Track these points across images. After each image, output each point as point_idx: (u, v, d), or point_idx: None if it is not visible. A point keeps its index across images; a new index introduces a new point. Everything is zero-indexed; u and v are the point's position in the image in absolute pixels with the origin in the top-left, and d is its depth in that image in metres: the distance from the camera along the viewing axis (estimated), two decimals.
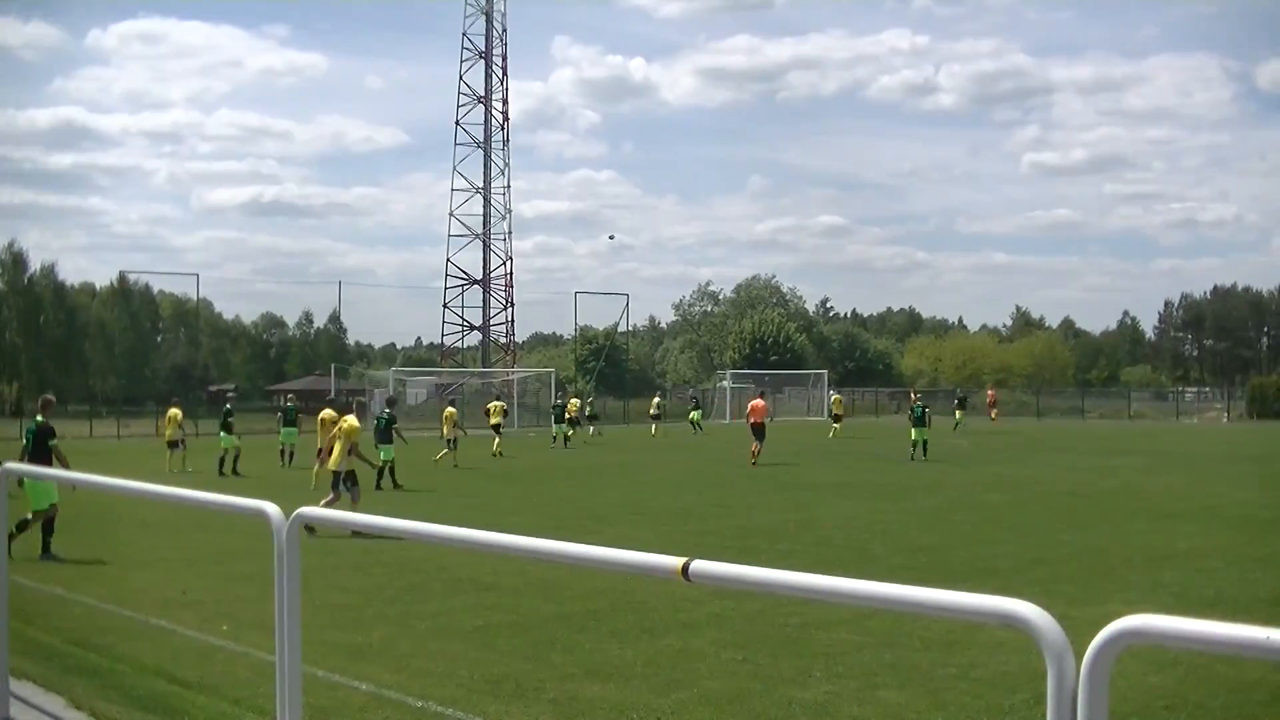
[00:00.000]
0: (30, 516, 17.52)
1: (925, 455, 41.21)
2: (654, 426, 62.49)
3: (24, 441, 18.76)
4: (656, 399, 67.40)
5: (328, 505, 20.48)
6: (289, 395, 53.58)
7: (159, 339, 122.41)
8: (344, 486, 21.93)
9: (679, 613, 13.16)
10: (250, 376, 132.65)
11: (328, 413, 29.46)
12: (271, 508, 6.30)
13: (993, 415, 74.17)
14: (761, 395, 46.18)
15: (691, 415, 66.69)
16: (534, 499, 27.82)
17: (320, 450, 29.04)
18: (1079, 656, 3.35)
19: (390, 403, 34.75)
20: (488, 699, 9.63)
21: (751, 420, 41.38)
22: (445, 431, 37.74)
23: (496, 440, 44.36)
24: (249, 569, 15.55)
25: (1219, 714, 9.28)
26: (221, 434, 38.66)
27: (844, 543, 19.69)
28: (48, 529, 17.62)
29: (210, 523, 19.73)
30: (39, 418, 19.02)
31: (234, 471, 36.81)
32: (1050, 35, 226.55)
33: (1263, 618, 10.85)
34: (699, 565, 4.35)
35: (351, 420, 22.77)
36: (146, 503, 20.81)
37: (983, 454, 44.34)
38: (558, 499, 27.94)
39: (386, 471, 30.73)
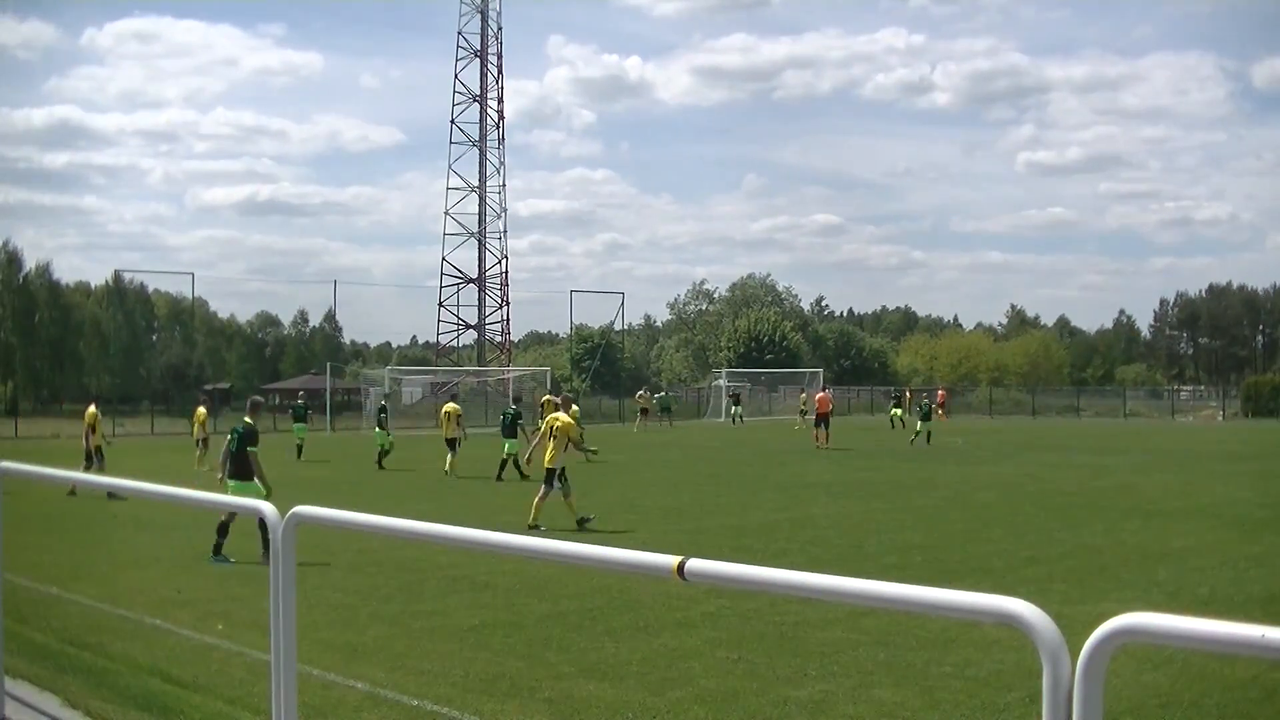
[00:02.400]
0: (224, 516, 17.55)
1: (929, 443, 47.61)
2: (637, 421, 62.48)
3: (229, 440, 18.91)
4: (642, 393, 67.91)
5: (540, 500, 21.75)
6: (300, 394, 55.54)
7: (154, 338, 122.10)
8: (557, 482, 22.07)
9: (674, 611, 13.16)
10: (245, 375, 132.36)
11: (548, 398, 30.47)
12: (267, 507, 6.30)
13: (940, 414, 73.87)
14: (825, 389, 50.07)
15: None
16: (527, 498, 27.76)
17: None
18: (1074, 655, 3.35)
19: (516, 399, 38.48)
20: (483, 698, 9.63)
21: (819, 411, 47.42)
22: (446, 431, 36.65)
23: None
24: (244, 568, 15.56)
25: (1213, 712, 9.28)
26: (377, 430, 40.23)
27: (838, 541, 19.69)
28: (223, 531, 17.46)
29: (206, 522, 19.71)
30: (246, 419, 19.16)
31: (379, 465, 38.16)
32: (1046, 34, 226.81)
33: (1257, 616, 10.88)
34: (694, 564, 4.36)
35: (565, 417, 22.89)
36: (141, 502, 20.82)
37: (977, 453, 44.36)
38: (550, 498, 27.85)
39: (510, 464, 32.76)
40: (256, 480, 17.99)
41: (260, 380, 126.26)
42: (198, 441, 38.23)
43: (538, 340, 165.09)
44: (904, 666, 10.64)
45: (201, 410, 40.06)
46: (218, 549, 17.22)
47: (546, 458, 22.14)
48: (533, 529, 20.77)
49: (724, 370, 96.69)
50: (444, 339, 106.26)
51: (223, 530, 17.36)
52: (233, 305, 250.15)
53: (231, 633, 11.96)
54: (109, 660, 10.91)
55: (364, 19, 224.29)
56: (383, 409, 39.94)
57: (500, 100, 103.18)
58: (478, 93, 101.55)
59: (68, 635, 12.02)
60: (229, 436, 18.86)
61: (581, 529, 21.44)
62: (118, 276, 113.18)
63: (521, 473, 31.40)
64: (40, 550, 17.88)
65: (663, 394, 78.58)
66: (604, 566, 4.96)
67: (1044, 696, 3.39)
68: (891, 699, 9.60)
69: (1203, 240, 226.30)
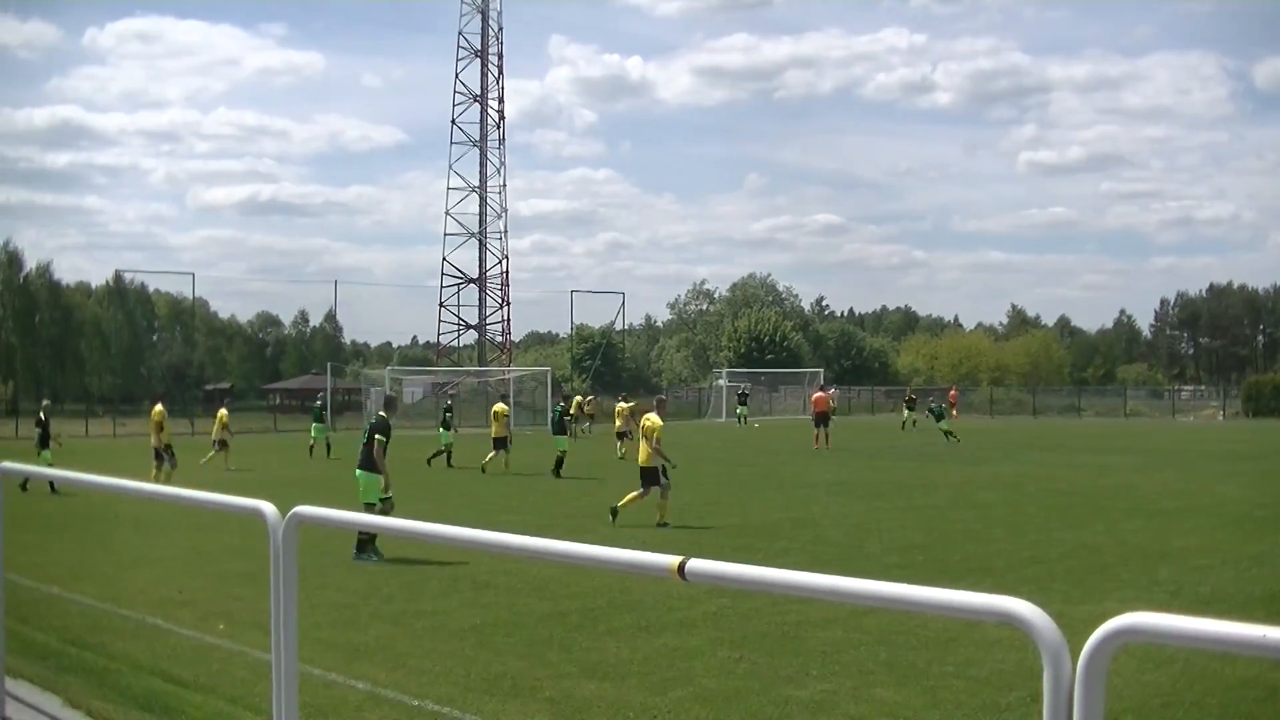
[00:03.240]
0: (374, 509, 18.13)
1: (948, 440, 49.37)
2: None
3: (365, 435, 19.47)
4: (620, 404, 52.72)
5: (634, 499, 22.12)
6: (319, 395, 55.65)
7: (154, 338, 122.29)
8: (662, 479, 22.32)
9: (675, 611, 13.17)
10: (246, 375, 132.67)
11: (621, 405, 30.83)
12: (268, 507, 6.29)
13: (954, 413, 73.90)
14: (823, 388, 50.10)
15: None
16: (527, 498, 27.81)
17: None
18: (1075, 654, 3.35)
19: (565, 398, 41.29)
20: (484, 698, 9.63)
21: (816, 411, 47.10)
22: (495, 430, 36.88)
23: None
24: (245, 568, 15.56)
25: (1215, 711, 9.29)
26: (441, 430, 40.69)
27: (839, 541, 19.68)
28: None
29: (206, 522, 19.72)
30: (381, 413, 19.69)
31: (448, 464, 38.89)
32: (1047, 34, 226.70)
33: (1258, 615, 10.87)
34: (695, 564, 4.35)
35: (654, 418, 23.11)
36: (142, 502, 20.82)
37: (978, 452, 44.36)
38: (551, 498, 27.93)
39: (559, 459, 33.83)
40: (379, 469, 18.64)
41: (261, 380, 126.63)
42: (215, 443, 38.50)
43: (538, 340, 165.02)
44: (905, 666, 10.65)
45: (223, 412, 40.68)
46: (362, 545, 17.55)
47: (641, 458, 22.47)
48: (662, 526, 21.62)
49: (724, 370, 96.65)
50: (445, 339, 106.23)
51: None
52: (234, 305, 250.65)
53: (233, 632, 11.97)
54: (110, 660, 10.92)
55: (365, 19, 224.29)
56: (449, 409, 40.59)
57: (501, 100, 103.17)
58: (478, 93, 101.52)
59: (69, 635, 12.03)
60: (364, 433, 19.43)
61: (660, 528, 21.59)
62: (119, 276, 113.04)
63: (558, 471, 33.09)
64: (41, 550, 17.89)
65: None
66: (605, 566, 4.96)
67: (1045, 696, 3.39)
68: (893, 698, 9.61)
69: (1204, 240, 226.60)
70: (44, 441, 29.93)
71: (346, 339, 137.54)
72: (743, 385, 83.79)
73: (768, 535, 20.04)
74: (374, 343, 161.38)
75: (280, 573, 6.19)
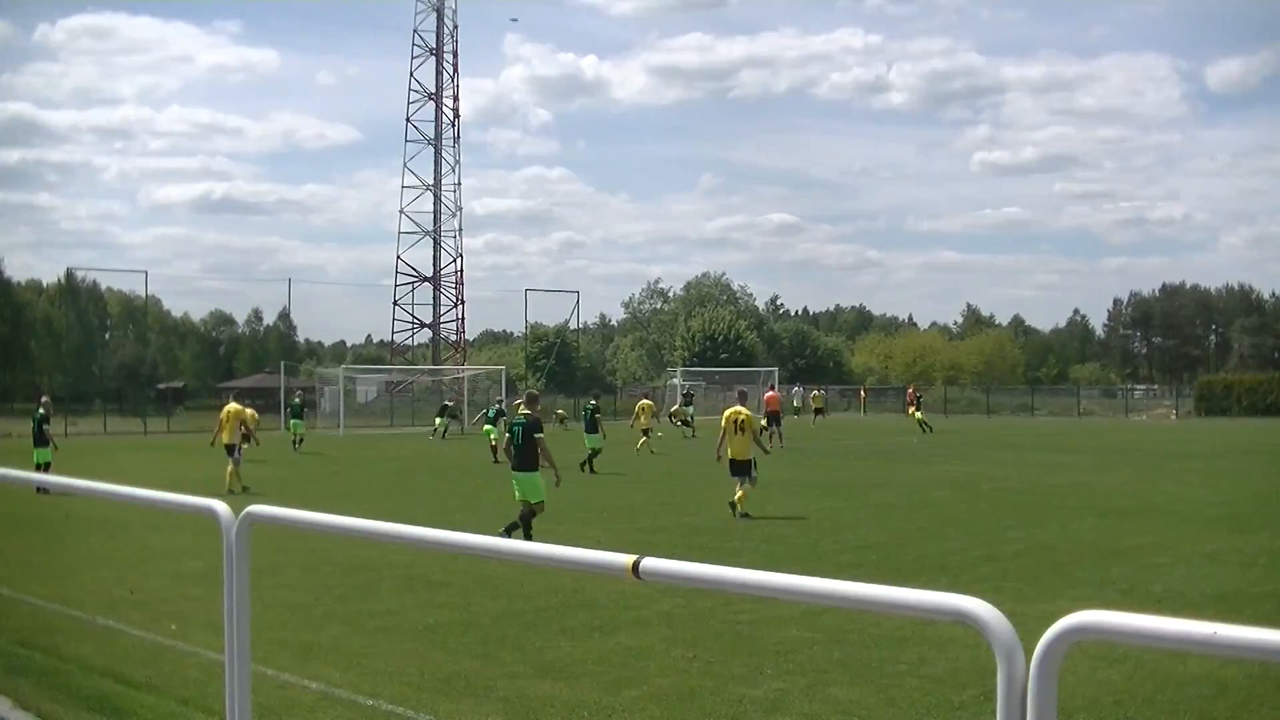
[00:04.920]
0: (531, 508, 18.95)
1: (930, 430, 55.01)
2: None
3: (510, 435, 19.80)
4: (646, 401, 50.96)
5: (746, 492, 22.64)
6: (299, 392, 58.35)
7: (107, 336, 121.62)
8: (748, 473, 22.82)
9: (629, 610, 13.17)
10: (199, 374, 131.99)
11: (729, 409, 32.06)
12: (220, 506, 6.26)
13: (912, 410, 73.98)
14: (773, 387, 50.28)
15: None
16: (479, 497, 27.76)
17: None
18: (1029, 653, 3.36)
19: (596, 396, 42.57)
20: (439, 697, 9.61)
21: (768, 410, 47.18)
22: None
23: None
24: (196, 567, 15.49)
25: (1167, 708, 9.34)
26: (486, 428, 43.98)
27: (793, 540, 19.72)
28: (525, 523, 18.76)
29: (158, 521, 19.60)
30: (525, 411, 19.84)
31: (495, 460, 39.78)
32: (1002, 35, 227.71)
33: (1210, 613, 10.95)
34: (649, 563, 4.35)
35: (747, 410, 23.60)
36: (92, 501, 20.68)
37: (931, 451, 44.53)
38: (503, 496, 27.85)
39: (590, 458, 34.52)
40: (545, 465, 19.29)
41: (214, 379, 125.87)
42: (234, 447, 35.27)
43: (493, 339, 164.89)
44: (859, 665, 10.67)
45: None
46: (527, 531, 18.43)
47: (736, 450, 22.89)
48: (745, 518, 22.10)
49: (679, 369, 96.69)
50: (399, 338, 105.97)
51: (524, 521, 18.80)
52: (187, 304, 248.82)
53: (185, 633, 11.90)
54: (61, 661, 10.85)
55: (320, 16, 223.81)
56: (499, 410, 41.55)
57: (456, 98, 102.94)
58: (433, 91, 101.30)
59: (18, 636, 11.94)
60: (509, 432, 19.75)
61: (736, 518, 22.12)
62: (70, 274, 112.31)
63: (592, 468, 33.80)
64: None
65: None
66: (559, 565, 4.96)
67: (998, 694, 3.40)
68: (847, 697, 9.63)
69: (1157, 240, 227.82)
70: (40, 440, 29.56)
71: (300, 337, 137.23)
72: (687, 385, 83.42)
73: (721, 534, 20.06)
74: (328, 341, 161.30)
75: (233, 572, 6.16)
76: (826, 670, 10.47)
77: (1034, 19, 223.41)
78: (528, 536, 18.35)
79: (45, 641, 11.72)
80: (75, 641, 11.76)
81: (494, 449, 41.16)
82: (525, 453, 19.22)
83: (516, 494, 19.22)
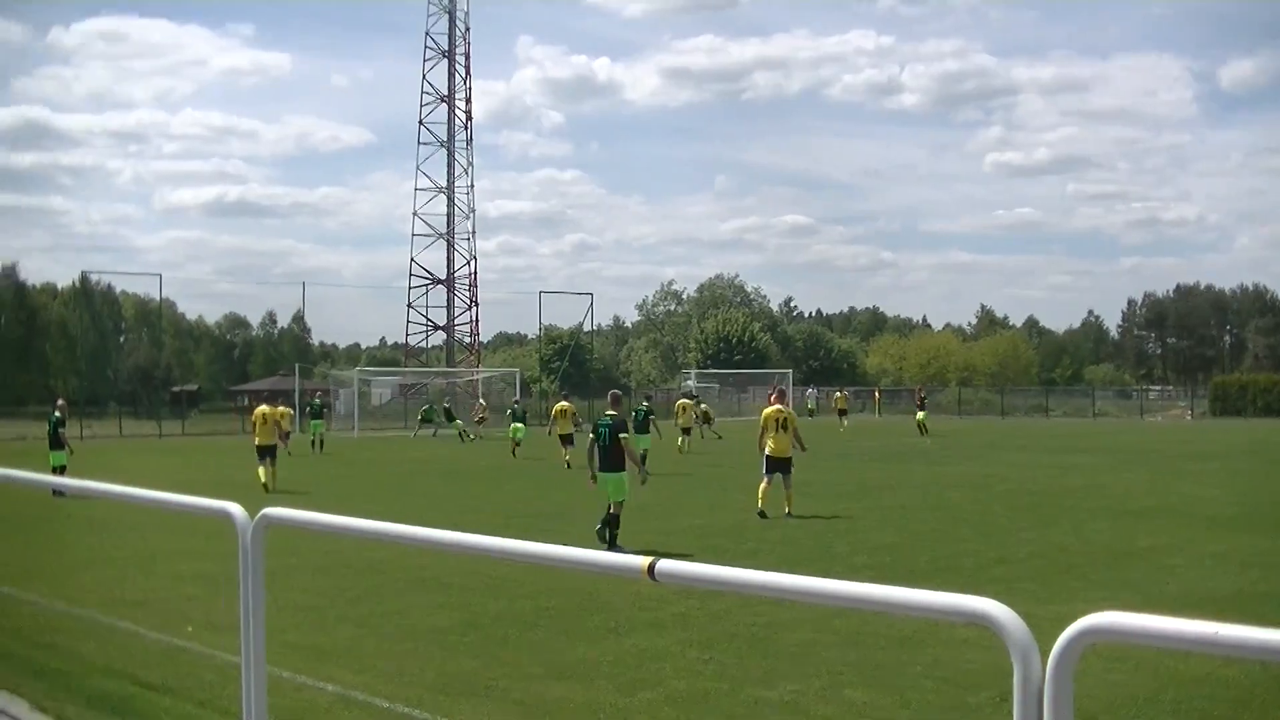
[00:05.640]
0: (612, 509, 19.01)
1: (926, 431, 55.25)
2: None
3: (596, 435, 19.74)
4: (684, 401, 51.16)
5: (789, 491, 23.03)
6: (317, 393, 59.58)
7: (121, 339, 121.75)
8: (789, 472, 23.21)
9: (644, 612, 13.16)
10: (213, 377, 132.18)
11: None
12: (236, 509, 6.28)
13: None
14: (779, 389, 50.76)
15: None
16: (493, 498, 27.79)
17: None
18: (1044, 654, 3.36)
19: (647, 397, 43.50)
20: (453, 700, 9.61)
21: None
22: (681, 420, 43.18)
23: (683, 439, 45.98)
24: (211, 570, 15.50)
25: (1184, 709, 9.32)
26: (514, 424, 45.90)
27: (807, 541, 19.70)
28: (614, 523, 18.87)
29: (171, 523, 19.62)
30: (610, 411, 19.93)
31: (514, 455, 43.27)
32: (1014, 36, 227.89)
33: (1226, 614, 10.91)
34: (665, 565, 4.36)
35: (785, 409, 23.95)
36: (102, 503, 20.71)
37: (946, 453, 44.47)
38: (516, 498, 27.90)
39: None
40: (630, 465, 19.42)
41: (228, 382, 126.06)
42: (272, 448, 32.87)
43: (507, 341, 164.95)
44: (875, 666, 10.66)
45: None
46: (613, 540, 18.61)
47: (779, 447, 23.09)
48: (789, 517, 22.43)
49: (693, 371, 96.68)
50: (413, 340, 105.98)
51: (614, 521, 18.85)
52: (201, 306, 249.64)
53: (201, 635, 11.91)
54: (77, 663, 10.86)
55: (333, 19, 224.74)
56: (649, 411, 41.90)
57: (468, 101, 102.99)
58: (446, 93, 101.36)
59: (35, 638, 11.97)
60: (593, 433, 19.76)
61: (760, 518, 22.24)
62: (84, 278, 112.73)
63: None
64: (6, 553, 17.84)
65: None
66: (575, 567, 4.96)
67: (1014, 695, 3.40)
68: (862, 699, 9.61)
69: (1170, 241, 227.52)
70: (55, 443, 29.65)
71: (314, 340, 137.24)
72: (691, 387, 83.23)
73: (735, 536, 20.04)
74: (342, 344, 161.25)
75: (249, 574, 6.17)
76: (842, 672, 10.46)
77: (1046, 20, 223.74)
78: (612, 535, 18.82)
79: (61, 643, 11.75)
80: (91, 643, 11.78)
81: (518, 445, 43.97)
82: (613, 453, 19.31)
83: (609, 494, 19.22)
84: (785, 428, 23.19)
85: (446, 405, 61.83)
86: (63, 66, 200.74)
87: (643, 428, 36.49)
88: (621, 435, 19.36)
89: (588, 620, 12.89)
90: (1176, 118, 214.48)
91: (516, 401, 55.49)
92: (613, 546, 18.18)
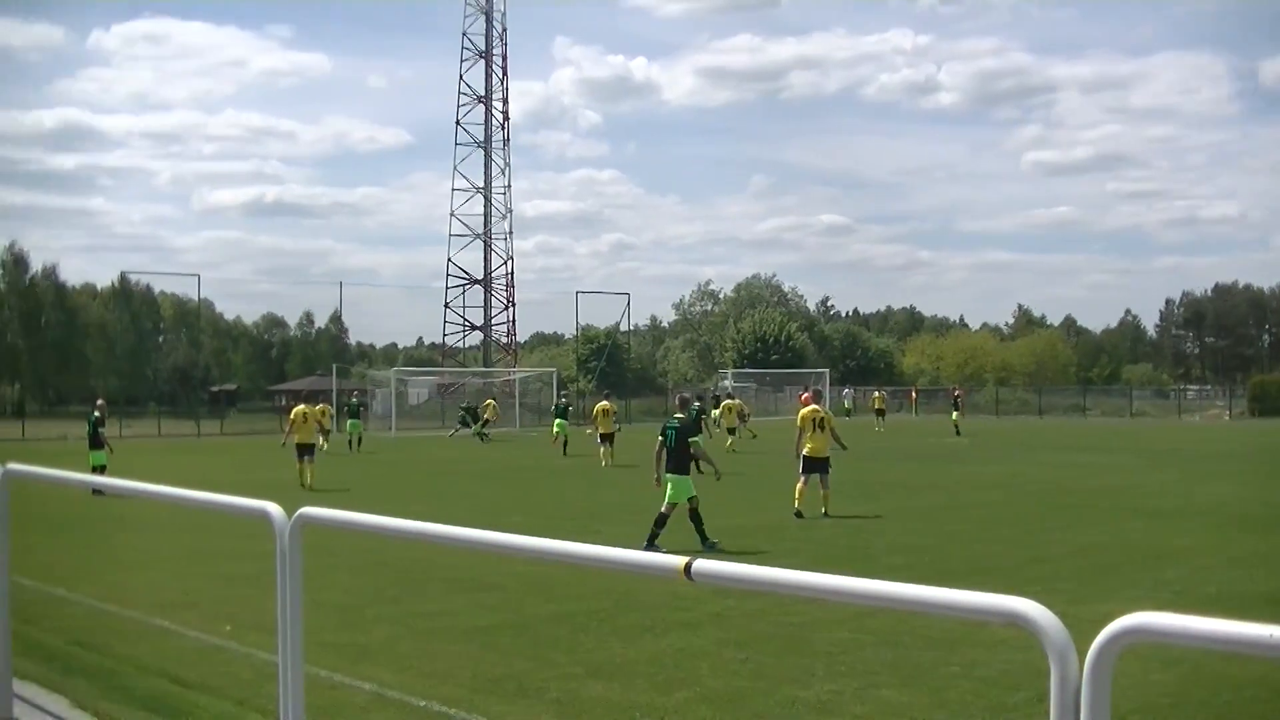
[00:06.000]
0: (665, 510, 19.06)
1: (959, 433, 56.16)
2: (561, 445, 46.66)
3: (663, 437, 19.77)
4: (729, 401, 52.58)
5: (826, 491, 22.99)
6: (355, 393, 60.48)
7: (160, 339, 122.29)
8: (827, 472, 23.24)
9: (680, 612, 13.15)
10: (251, 377, 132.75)
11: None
12: (274, 508, 6.30)
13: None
14: (807, 389, 51.30)
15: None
16: (532, 499, 27.82)
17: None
18: (1081, 655, 3.35)
19: (701, 397, 44.06)
20: (490, 699, 9.63)
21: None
22: (726, 421, 43.73)
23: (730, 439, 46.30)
24: (248, 569, 15.54)
25: (1221, 711, 9.28)
26: (557, 421, 47.07)
27: (844, 541, 19.68)
28: (697, 519, 19.01)
29: (208, 523, 19.69)
30: (679, 415, 20.11)
31: (564, 452, 44.36)
32: (1052, 34, 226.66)
33: (1264, 615, 10.82)
34: (701, 564, 4.36)
35: (822, 409, 24.04)
36: (142, 502, 20.80)
37: (981, 452, 44.35)
38: (555, 499, 27.94)
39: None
40: (704, 465, 19.94)
41: (266, 382, 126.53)
42: (311, 447, 33.05)
43: (543, 341, 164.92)
44: (911, 666, 10.64)
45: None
46: (652, 539, 18.63)
47: (816, 447, 23.09)
48: (825, 516, 22.48)
49: (730, 371, 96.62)
50: (450, 340, 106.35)
51: (660, 521, 18.85)
52: (239, 307, 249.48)
53: (238, 634, 11.97)
54: (116, 661, 10.93)
55: (370, 20, 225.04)
56: (700, 410, 43.39)
57: (505, 101, 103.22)
58: (483, 94, 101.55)
59: (75, 636, 12.04)
60: (661, 434, 19.78)
61: (796, 518, 22.27)
62: (124, 278, 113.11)
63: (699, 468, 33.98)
64: (46, 551, 17.92)
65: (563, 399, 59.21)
66: (612, 567, 4.97)
67: (1051, 696, 3.39)
68: (898, 699, 9.60)
69: (1209, 239, 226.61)
70: (95, 443, 29.92)
71: (352, 340, 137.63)
72: (726, 387, 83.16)
73: (771, 536, 20.03)
74: (379, 344, 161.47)
75: (286, 574, 6.19)
76: (878, 672, 10.44)
77: (1084, 17, 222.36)
78: (700, 531, 18.93)
79: (100, 642, 11.82)
80: (130, 642, 11.85)
81: (563, 442, 45.05)
82: (679, 455, 19.37)
83: (668, 495, 19.24)
84: (822, 428, 23.20)
85: (465, 406, 61.90)
86: (103, 68, 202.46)
87: (695, 429, 36.43)
88: (691, 439, 19.48)
89: (624, 620, 12.90)
90: (1216, 115, 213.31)
91: (564, 396, 56.00)
92: (650, 546, 18.23)
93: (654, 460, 19.84)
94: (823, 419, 23.32)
